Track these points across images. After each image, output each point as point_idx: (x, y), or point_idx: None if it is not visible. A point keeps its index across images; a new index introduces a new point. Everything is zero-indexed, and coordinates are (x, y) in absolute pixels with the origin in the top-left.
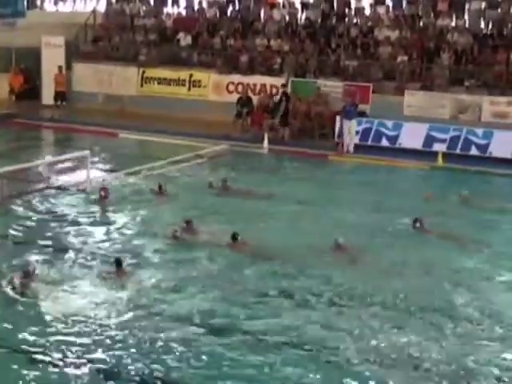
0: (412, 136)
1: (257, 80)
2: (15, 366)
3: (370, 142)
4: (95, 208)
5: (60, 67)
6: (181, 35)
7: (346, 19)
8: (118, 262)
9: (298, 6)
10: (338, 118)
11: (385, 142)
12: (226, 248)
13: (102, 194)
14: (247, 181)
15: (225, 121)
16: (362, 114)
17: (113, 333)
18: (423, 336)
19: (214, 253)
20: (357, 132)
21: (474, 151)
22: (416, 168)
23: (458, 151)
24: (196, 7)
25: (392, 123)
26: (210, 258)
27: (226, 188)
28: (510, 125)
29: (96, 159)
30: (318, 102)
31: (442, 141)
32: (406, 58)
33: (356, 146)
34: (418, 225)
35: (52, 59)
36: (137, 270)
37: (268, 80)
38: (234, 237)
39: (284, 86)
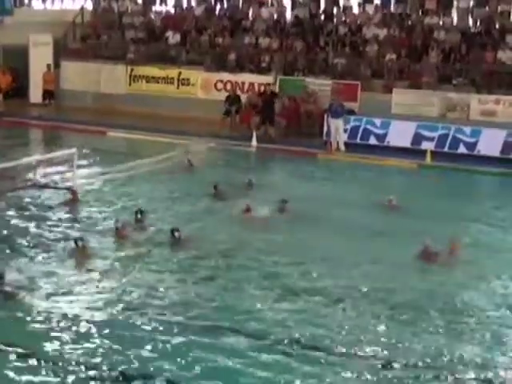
0: (400, 134)
1: (245, 78)
2: None
3: (358, 140)
4: (70, 205)
5: (48, 65)
6: (169, 33)
7: (335, 18)
8: (76, 242)
9: (287, 4)
10: (326, 116)
11: (373, 141)
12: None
13: (72, 192)
14: (234, 179)
15: (213, 119)
16: (351, 113)
17: (84, 324)
18: None
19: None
20: (345, 130)
21: (462, 149)
22: (404, 166)
23: (446, 149)
24: (184, 5)
25: (380, 121)
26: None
27: (217, 194)
28: (498, 123)
29: (83, 157)
30: (307, 100)
31: (431, 139)
32: (394, 56)
33: (344, 144)
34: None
35: (40, 57)
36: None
37: (256, 78)
38: (172, 232)
39: (269, 85)
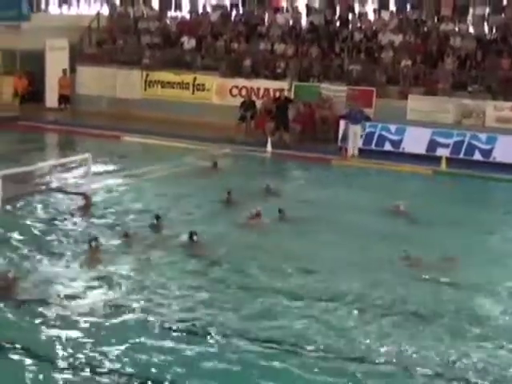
0: (415, 140)
1: (260, 84)
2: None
3: (373, 147)
4: (83, 210)
5: (64, 70)
6: (185, 39)
7: (350, 24)
8: (90, 241)
9: (302, 10)
10: (341, 122)
11: (388, 147)
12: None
13: (85, 197)
14: (249, 185)
15: (228, 124)
16: (366, 119)
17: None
18: None
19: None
20: (360, 136)
21: (477, 156)
22: (419, 172)
23: (461, 156)
24: (200, 11)
25: (395, 128)
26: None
27: (230, 200)
28: None
29: (98, 162)
30: (322, 106)
31: (446, 146)
32: (409, 62)
33: (359, 150)
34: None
35: (56, 62)
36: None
37: (271, 84)
38: (191, 236)
39: (283, 90)
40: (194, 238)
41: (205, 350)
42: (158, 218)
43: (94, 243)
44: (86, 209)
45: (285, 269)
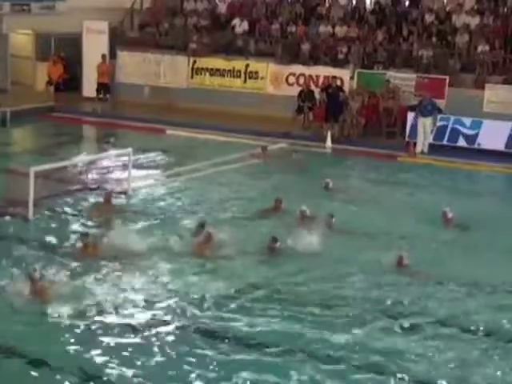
0: (493, 135)
1: (320, 71)
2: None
3: (445, 142)
4: (122, 211)
5: (103, 56)
6: (236, 21)
7: (420, 4)
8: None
9: None
10: (409, 114)
11: (462, 142)
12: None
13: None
14: (306, 185)
15: (284, 116)
16: (438, 111)
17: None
18: None
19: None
20: (431, 130)
21: None
22: (497, 172)
23: None
24: None
25: (470, 121)
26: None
27: (279, 209)
28: None
29: (140, 158)
30: (387, 96)
31: None
32: (487, 47)
33: (430, 146)
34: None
35: (94, 47)
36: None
37: (332, 71)
38: (275, 240)
39: (335, 78)
40: (277, 244)
41: (238, 357)
42: (202, 225)
43: (85, 239)
44: (106, 207)
45: (309, 277)
